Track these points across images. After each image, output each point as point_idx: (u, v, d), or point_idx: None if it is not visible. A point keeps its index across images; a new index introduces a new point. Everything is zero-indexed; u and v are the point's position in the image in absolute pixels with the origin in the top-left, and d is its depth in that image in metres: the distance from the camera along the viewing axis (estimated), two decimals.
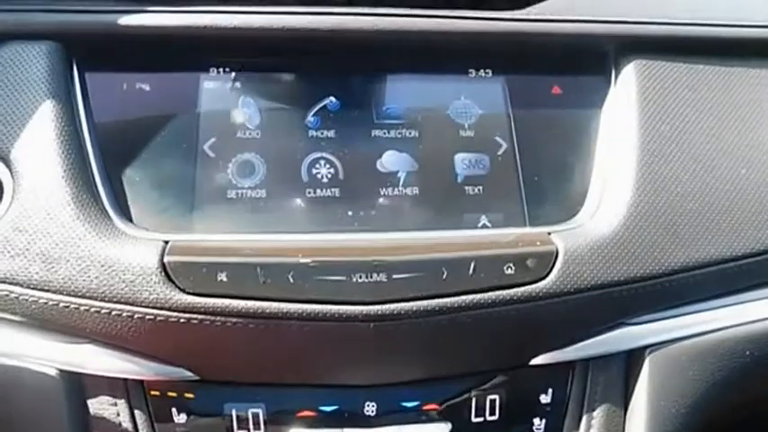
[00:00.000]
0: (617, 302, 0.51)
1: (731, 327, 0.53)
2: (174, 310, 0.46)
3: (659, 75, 0.58)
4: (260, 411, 0.49)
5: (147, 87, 0.56)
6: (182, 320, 0.46)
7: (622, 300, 0.51)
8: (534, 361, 0.51)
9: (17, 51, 0.53)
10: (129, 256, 0.47)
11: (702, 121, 0.56)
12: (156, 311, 0.46)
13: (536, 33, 0.59)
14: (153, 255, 0.47)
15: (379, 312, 0.47)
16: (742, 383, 0.53)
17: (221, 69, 0.57)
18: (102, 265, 0.47)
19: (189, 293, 0.46)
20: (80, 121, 0.53)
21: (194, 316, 0.46)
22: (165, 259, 0.47)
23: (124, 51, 0.56)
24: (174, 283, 0.46)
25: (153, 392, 0.49)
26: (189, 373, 0.49)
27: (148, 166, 0.53)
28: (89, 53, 0.55)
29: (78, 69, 0.55)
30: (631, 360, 0.53)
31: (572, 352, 0.51)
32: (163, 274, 0.47)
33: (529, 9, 0.60)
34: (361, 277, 0.47)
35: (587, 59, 0.60)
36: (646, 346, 0.52)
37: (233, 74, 0.57)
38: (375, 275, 0.48)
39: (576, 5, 0.61)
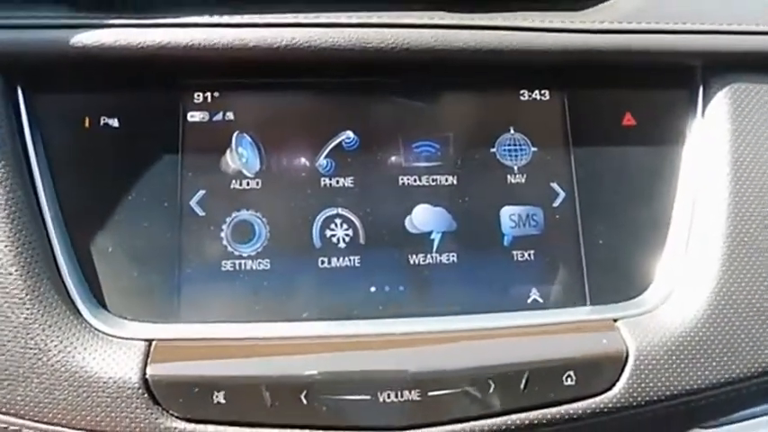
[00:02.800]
0: (694, 411, 0.42)
1: None
2: None
3: (760, 102, 0.47)
4: None
5: (114, 123, 0.44)
6: None
7: (699, 408, 0.42)
8: None
9: None
10: (103, 367, 0.38)
11: None
12: None
13: (605, 48, 0.46)
14: (133, 365, 0.38)
15: None
16: None
17: (208, 96, 0.45)
18: (71, 384, 0.38)
19: (179, 419, 0.38)
20: (32, 174, 0.42)
21: None
22: (148, 372, 0.38)
23: (84, 77, 0.44)
24: (159, 405, 0.38)
25: None
26: None
27: (122, 231, 0.43)
28: (39, 81, 0.43)
29: (26, 102, 0.43)
30: None
31: None
32: (146, 393, 0.38)
33: (593, 12, 0.48)
34: (389, 396, 0.39)
35: (668, 80, 0.48)
36: None
37: (223, 102, 0.45)
38: (407, 393, 0.39)
39: (655, 7, 0.48)
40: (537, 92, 0.48)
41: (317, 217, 0.44)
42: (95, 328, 0.40)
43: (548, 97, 0.48)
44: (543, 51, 0.46)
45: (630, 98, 0.48)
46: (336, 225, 0.44)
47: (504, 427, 0.39)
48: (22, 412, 0.38)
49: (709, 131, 0.46)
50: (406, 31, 0.45)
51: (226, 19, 0.44)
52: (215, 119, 0.45)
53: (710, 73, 0.47)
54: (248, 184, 0.45)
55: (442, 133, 0.46)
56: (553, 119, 0.47)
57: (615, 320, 0.43)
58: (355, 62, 0.45)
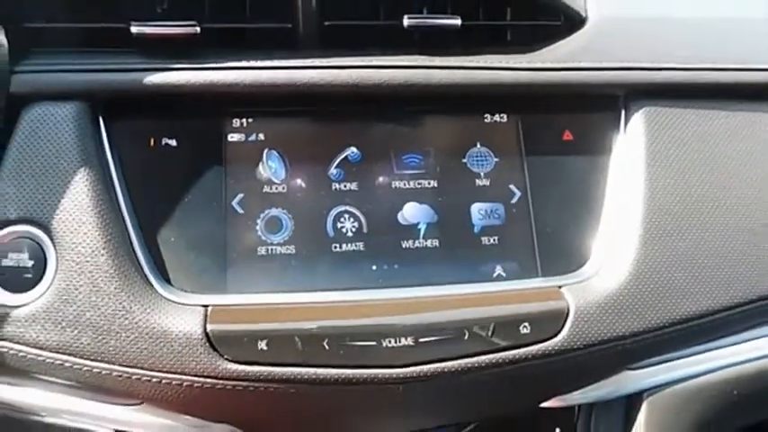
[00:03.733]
0: (621, 354, 0.55)
1: (718, 370, 0.58)
2: (220, 378, 0.50)
3: (668, 123, 0.61)
4: None
5: (173, 143, 0.58)
6: (227, 387, 0.50)
7: (626, 351, 0.55)
8: (544, 404, 0.56)
9: (46, 113, 0.54)
10: (173, 325, 0.51)
11: (708, 174, 0.60)
12: (202, 379, 0.50)
13: (548, 82, 0.61)
14: (196, 323, 0.51)
15: (408, 375, 0.51)
16: (730, 420, 0.59)
17: (244, 121, 0.59)
18: (150, 336, 0.50)
19: (232, 362, 0.50)
20: (113, 183, 0.55)
21: (238, 383, 0.50)
22: (208, 328, 0.50)
23: (150, 108, 0.57)
24: (217, 351, 0.50)
25: None
26: (231, 429, 0.53)
27: (182, 225, 0.56)
28: (116, 111, 0.56)
29: (106, 128, 0.56)
30: (631, 403, 0.58)
31: (578, 396, 0.56)
32: (207, 343, 0.50)
33: (538, 53, 0.62)
34: (390, 342, 0.51)
35: (597, 105, 0.62)
36: (644, 391, 0.57)
37: (256, 126, 0.59)
38: (403, 339, 0.52)
39: (588, 48, 0.62)
40: (497, 115, 0.62)
41: (330, 212, 0.58)
42: (165, 297, 0.52)
43: (505, 120, 0.62)
44: (501, 85, 0.60)
45: (568, 119, 0.62)
46: (345, 219, 0.58)
47: (476, 365, 0.52)
48: (113, 359, 0.50)
49: (630, 143, 0.60)
50: (395, 71, 0.59)
51: (258, 63, 0.57)
52: (249, 139, 0.59)
53: (630, 99, 0.61)
54: (276, 188, 0.58)
55: (424, 147, 0.60)
56: (510, 136, 0.61)
57: (560, 287, 0.56)
58: (357, 94, 0.59)
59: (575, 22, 0.64)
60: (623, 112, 0.62)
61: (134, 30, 0.56)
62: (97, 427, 0.52)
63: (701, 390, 0.58)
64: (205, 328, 0.50)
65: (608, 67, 0.61)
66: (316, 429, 0.55)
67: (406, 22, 0.59)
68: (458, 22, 0.60)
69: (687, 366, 0.58)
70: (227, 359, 0.50)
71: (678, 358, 0.58)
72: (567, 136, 0.62)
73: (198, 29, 0.56)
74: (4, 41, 0.54)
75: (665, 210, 0.58)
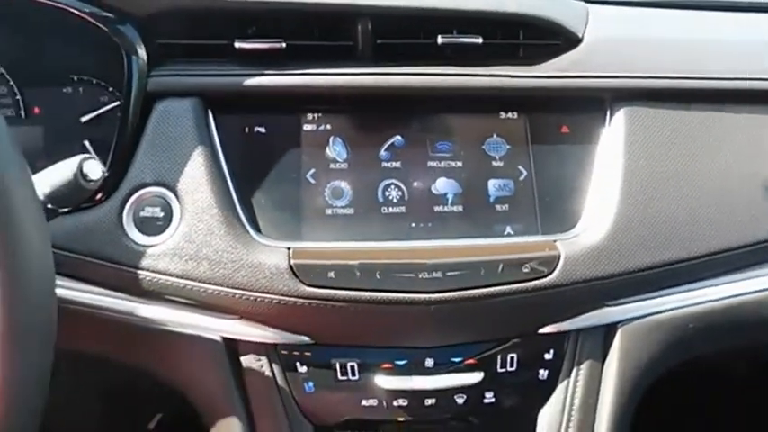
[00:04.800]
0: (600, 292, 0.72)
1: (677, 308, 0.74)
2: (299, 298, 0.68)
3: (644, 118, 0.78)
4: (355, 364, 0.72)
5: (263, 130, 0.76)
6: (304, 304, 0.69)
7: (604, 290, 0.72)
8: (541, 330, 0.73)
9: (171, 106, 0.74)
10: (266, 260, 0.69)
11: (675, 156, 0.76)
12: (287, 298, 0.68)
13: (550, 87, 0.78)
14: (283, 259, 0.69)
15: (437, 299, 0.69)
16: (685, 349, 0.75)
17: (315, 115, 0.78)
18: (249, 267, 0.69)
19: (309, 286, 0.68)
20: (219, 158, 0.74)
21: (312, 301, 0.68)
22: (292, 262, 0.69)
23: (246, 104, 0.76)
24: (298, 278, 0.68)
25: (283, 352, 0.71)
26: (307, 339, 0.71)
27: (268, 190, 0.74)
28: (220, 106, 0.75)
29: (214, 118, 0.75)
30: (608, 331, 0.75)
31: (567, 324, 0.73)
32: (291, 273, 0.68)
33: (545, 64, 0.80)
34: (424, 275, 0.69)
35: (589, 106, 0.79)
36: (618, 322, 0.74)
37: (324, 118, 0.77)
38: (434, 273, 0.69)
39: (582, 62, 0.80)
40: (509, 113, 0.79)
41: (380, 184, 0.76)
42: (259, 241, 0.71)
43: (516, 116, 0.79)
44: (512, 89, 0.78)
45: (566, 116, 0.79)
46: (391, 189, 0.76)
47: (488, 294, 0.69)
48: (222, 283, 0.69)
49: (613, 135, 0.78)
50: (430, 78, 0.77)
51: (327, 71, 0.76)
52: (319, 128, 0.77)
53: (614, 101, 0.78)
54: (339, 165, 0.76)
55: (452, 136, 0.78)
56: (519, 129, 0.79)
57: (555, 241, 0.73)
58: (402, 95, 0.77)
59: (573, 41, 0.81)
60: (608, 112, 0.79)
61: (237, 45, 0.75)
62: (208, 334, 0.70)
63: (662, 323, 0.74)
64: (290, 262, 0.69)
65: (597, 76, 0.79)
66: (367, 339, 0.72)
67: (440, 40, 0.77)
68: (479, 40, 0.78)
69: (654, 306, 0.75)
70: (305, 284, 0.68)
71: (648, 299, 0.75)
72: (565, 129, 0.79)
73: (284, 44, 0.75)
74: (144, 54, 0.74)
75: (639, 182, 0.75)
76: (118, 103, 0.87)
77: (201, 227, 0.70)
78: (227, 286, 0.69)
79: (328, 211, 0.74)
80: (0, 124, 0.49)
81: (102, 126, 0.87)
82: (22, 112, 0.88)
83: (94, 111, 0.87)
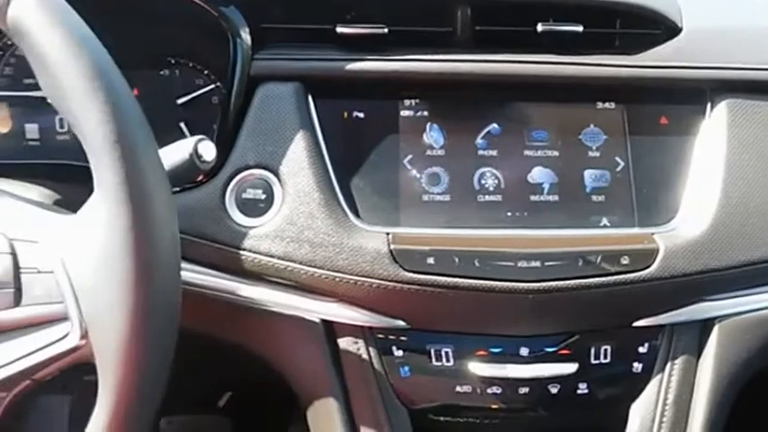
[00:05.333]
0: (698, 286, 0.72)
1: None
2: (398, 282, 0.69)
3: (745, 111, 0.76)
4: (450, 350, 0.73)
5: (361, 115, 0.77)
6: (403, 289, 0.69)
7: (702, 285, 0.72)
8: (636, 323, 0.73)
9: (273, 90, 0.75)
10: (367, 244, 0.70)
11: None
12: (386, 283, 0.69)
13: (649, 77, 0.77)
14: (383, 244, 0.70)
15: (537, 288, 0.69)
16: None
17: (413, 102, 0.78)
18: (350, 251, 0.70)
19: (408, 271, 0.69)
20: (319, 142, 0.75)
21: (411, 286, 0.69)
22: (392, 247, 0.70)
23: (345, 88, 0.77)
24: (398, 263, 0.69)
25: (379, 336, 0.72)
26: (404, 323, 0.72)
27: (367, 176, 0.75)
28: (320, 90, 0.76)
29: (314, 102, 0.76)
30: (705, 327, 0.74)
31: (663, 319, 0.73)
32: (391, 257, 0.69)
33: (645, 54, 0.79)
34: (523, 264, 0.69)
35: (689, 97, 0.78)
36: (715, 318, 0.73)
37: (421, 105, 0.78)
38: (533, 262, 0.70)
39: (681, 52, 0.79)
40: (607, 103, 0.78)
41: (476, 172, 0.76)
42: (359, 226, 0.71)
43: (613, 106, 0.78)
44: (611, 78, 0.77)
45: (665, 107, 0.78)
46: (487, 177, 0.76)
47: (587, 284, 0.69)
48: (323, 266, 0.70)
49: (713, 127, 0.76)
50: (529, 65, 0.77)
51: (425, 57, 0.76)
52: (416, 114, 0.78)
53: (715, 93, 0.77)
54: (436, 152, 0.76)
55: (549, 125, 0.77)
56: (617, 119, 0.78)
57: (653, 234, 0.73)
58: (500, 83, 0.77)
59: (673, 31, 0.80)
60: (709, 103, 0.77)
61: (339, 30, 0.76)
62: (307, 315, 0.72)
63: (762, 320, 0.73)
64: (389, 247, 0.70)
65: (697, 67, 0.77)
66: (462, 325, 0.73)
67: (539, 28, 0.77)
68: (580, 28, 0.77)
69: (754, 303, 0.74)
70: (404, 269, 0.69)
71: (747, 295, 0.74)
72: (663, 120, 0.78)
73: (386, 30, 0.76)
74: (248, 38, 0.75)
75: (740, 176, 0.73)
76: (213, 86, 0.89)
77: (303, 210, 0.71)
78: (328, 269, 0.70)
79: (425, 198, 0.75)
80: (133, 103, 0.50)
81: (197, 109, 0.89)
82: None
83: (190, 93, 0.89)
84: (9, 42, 0.88)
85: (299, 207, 0.71)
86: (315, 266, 0.70)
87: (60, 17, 0.48)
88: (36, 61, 0.49)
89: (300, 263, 0.70)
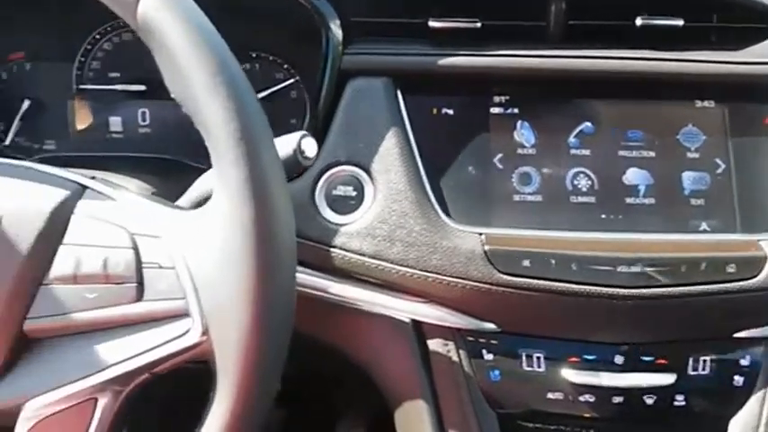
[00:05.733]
0: None
1: None
2: (492, 285, 0.67)
3: None
4: (541, 355, 0.71)
5: (450, 112, 0.75)
6: (496, 291, 0.68)
7: None
8: (737, 334, 0.70)
9: (363, 85, 0.74)
10: (460, 245, 0.68)
11: None
12: (480, 284, 0.67)
13: (753, 74, 0.74)
14: (477, 244, 0.68)
15: (638, 295, 0.66)
16: None
17: (503, 98, 0.76)
18: (443, 251, 0.68)
19: (503, 273, 0.67)
20: (410, 139, 0.73)
21: (505, 289, 0.67)
22: (486, 248, 0.68)
23: (434, 84, 0.75)
24: (492, 265, 0.67)
25: (469, 338, 0.71)
26: (494, 326, 0.70)
27: (457, 174, 0.73)
28: (409, 85, 0.75)
29: (402, 98, 0.75)
30: None
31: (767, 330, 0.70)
32: (486, 259, 0.67)
33: (748, 50, 0.75)
34: (623, 269, 0.67)
35: None
36: None
37: (512, 102, 0.76)
38: (633, 267, 0.67)
39: None
40: (706, 102, 0.75)
41: (569, 172, 0.74)
42: (454, 227, 0.69)
43: (713, 105, 0.75)
44: (711, 75, 0.74)
45: None
46: (580, 177, 0.73)
47: (690, 292, 0.67)
48: (415, 266, 0.68)
49: None
50: (625, 62, 0.74)
51: (517, 52, 0.74)
52: (507, 112, 0.76)
53: None
54: (527, 151, 0.74)
55: (645, 125, 0.75)
56: (717, 119, 0.75)
57: (758, 241, 0.70)
58: (593, 79, 0.74)
59: None
60: None
61: (431, 24, 0.74)
62: (398, 315, 0.70)
63: None
64: (484, 248, 0.68)
65: None
66: (555, 330, 0.71)
67: (638, 21, 0.74)
68: (680, 22, 0.74)
69: None
70: (499, 271, 0.67)
71: None
72: (767, 121, 0.75)
73: (479, 24, 0.74)
74: (339, 32, 0.74)
75: None
76: (293, 80, 0.88)
77: (395, 208, 0.70)
78: (420, 269, 0.68)
79: (516, 198, 0.73)
80: (255, 100, 0.50)
81: (276, 104, 0.89)
82: None
83: (270, 88, 0.88)
84: (98, 37, 0.89)
85: (391, 205, 0.70)
86: (407, 266, 0.69)
87: (188, 14, 0.48)
88: (163, 57, 0.48)
89: (392, 262, 0.69)
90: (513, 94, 0.76)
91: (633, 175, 0.74)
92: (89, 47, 0.89)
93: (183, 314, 0.49)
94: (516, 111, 0.76)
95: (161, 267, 0.50)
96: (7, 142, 0.90)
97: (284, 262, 0.48)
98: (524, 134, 0.75)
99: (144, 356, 0.49)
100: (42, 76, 0.90)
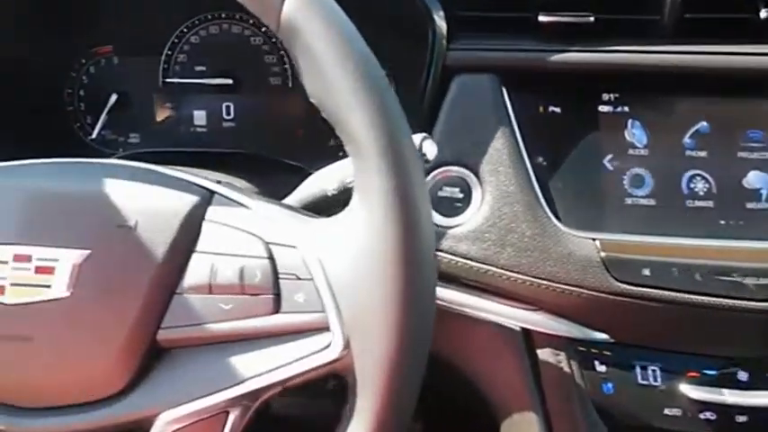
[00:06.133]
0: None
1: None
2: (609, 294, 0.64)
3: None
4: (657, 368, 0.68)
5: (558, 110, 0.72)
6: (613, 301, 0.64)
7: None
8: None
9: (468, 81, 0.71)
10: (575, 251, 0.65)
11: None
12: (596, 293, 0.64)
13: None
14: (593, 251, 0.65)
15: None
16: None
17: (612, 96, 0.72)
18: (557, 258, 0.65)
19: (621, 282, 0.64)
20: (518, 138, 0.70)
21: (622, 299, 0.64)
22: (602, 255, 0.65)
23: (541, 81, 0.72)
24: (609, 273, 0.64)
25: (581, 348, 0.68)
26: (607, 337, 0.67)
27: (566, 175, 0.70)
28: (514, 82, 0.71)
29: (508, 95, 0.71)
30: None
31: None
32: (603, 266, 0.64)
33: None
34: (751, 280, 0.63)
35: None
36: None
37: (622, 99, 0.72)
38: (763, 279, 0.63)
39: None
40: None
41: (684, 174, 0.70)
42: (567, 232, 0.66)
43: None
44: None
45: None
46: (696, 180, 0.70)
47: None
48: (527, 272, 0.66)
49: None
50: (746, 57, 0.69)
51: (630, 48, 0.70)
52: (616, 110, 0.72)
53: None
54: (639, 151, 0.71)
55: (766, 125, 0.71)
56: None
57: None
58: (710, 76, 0.70)
59: None
60: None
61: (541, 18, 0.71)
62: (508, 323, 0.68)
63: None
64: (600, 255, 0.65)
65: None
66: (672, 342, 0.67)
67: (763, 14, 0.70)
68: None
69: None
70: (617, 279, 0.64)
71: None
72: None
73: (592, 18, 0.70)
74: (444, 26, 0.71)
75: None
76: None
77: (506, 212, 0.67)
78: (533, 276, 0.66)
79: (628, 201, 0.69)
80: (399, 106, 0.47)
81: None
82: (290, 82, 0.88)
83: None
84: (185, 30, 0.87)
85: (501, 208, 0.67)
86: (518, 272, 0.66)
87: (335, 18, 0.46)
88: (306, 61, 0.46)
89: (502, 267, 0.66)
90: (622, 91, 0.72)
91: (754, 179, 0.70)
92: (176, 40, 0.87)
93: (323, 327, 0.47)
94: (626, 109, 0.72)
95: (299, 278, 0.47)
96: (93, 135, 0.89)
97: (428, 275, 0.46)
98: (635, 134, 0.71)
99: (280, 371, 0.47)
100: (129, 70, 0.88)
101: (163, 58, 0.87)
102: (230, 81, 0.86)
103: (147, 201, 0.50)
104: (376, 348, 0.45)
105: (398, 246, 0.44)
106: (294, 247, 0.48)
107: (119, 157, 0.88)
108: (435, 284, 0.48)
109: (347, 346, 0.46)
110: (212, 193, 0.51)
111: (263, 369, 0.47)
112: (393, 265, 0.44)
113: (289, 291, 0.47)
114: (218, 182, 0.52)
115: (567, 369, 0.68)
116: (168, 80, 0.88)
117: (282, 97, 0.87)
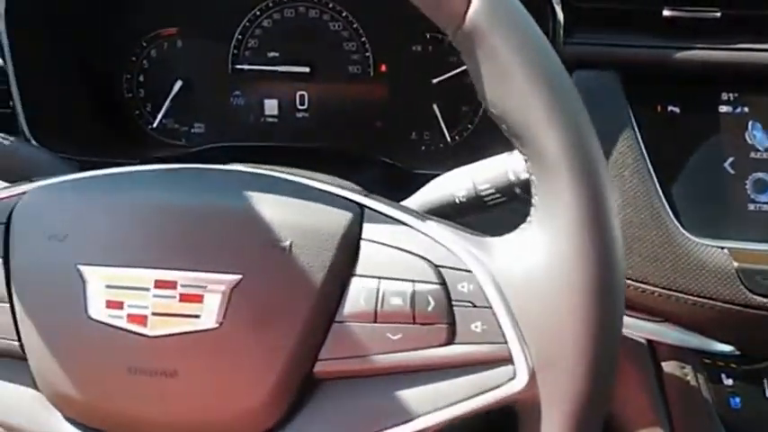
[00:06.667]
0: None
1: None
2: (743, 306, 0.62)
3: None
4: None
5: (677, 110, 0.68)
6: (746, 313, 0.62)
7: None
8: None
9: (585, 77, 0.66)
10: (707, 261, 0.62)
11: None
12: (729, 306, 0.62)
13: None
14: (727, 261, 0.62)
15: None
16: None
17: (731, 95, 0.69)
18: (689, 268, 0.62)
19: (756, 294, 0.61)
20: (638, 139, 0.66)
21: (755, 311, 0.62)
22: (735, 265, 0.62)
23: (660, 79, 0.68)
24: (744, 285, 0.62)
25: (706, 361, 0.66)
26: (734, 349, 0.65)
27: (687, 179, 0.67)
28: (632, 80, 0.67)
29: (626, 93, 0.68)
30: None
31: None
32: (737, 278, 0.62)
33: None
34: None
35: None
36: None
37: (741, 99, 0.69)
38: None
39: None
40: None
41: (749, 177, 0.67)
42: (697, 241, 0.63)
43: None
44: None
45: None
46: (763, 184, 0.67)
47: None
48: (655, 282, 0.62)
49: None
50: None
51: (751, 45, 0.67)
52: (736, 111, 0.69)
53: None
54: (761, 155, 0.67)
55: None
56: None
57: None
58: None
59: None
60: None
61: (666, 12, 0.67)
62: (633, 335, 0.65)
63: None
64: (734, 266, 0.62)
65: None
66: None
67: None
68: None
69: None
70: (752, 292, 0.61)
71: None
72: None
73: (719, 14, 0.66)
74: (562, 18, 0.67)
75: None
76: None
77: (632, 218, 0.63)
78: (662, 287, 0.63)
79: (750, 207, 0.67)
80: (591, 123, 0.43)
81: (451, 90, 0.81)
82: (371, 70, 0.82)
83: (446, 72, 0.81)
84: (258, 13, 0.81)
85: (627, 214, 0.63)
86: (645, 282, 0.63)
87: (524, 25, 0.41)
88: (490, 68, 0.41)
89: (629, 278, 0.63)
90: (742, 91, 0.69)
91: None
92: (248, 23, 0.80)
93: (505, 359, 0.43)
94: (746, 109, 0.69)
95: (475, 306, 0.43)
96: (155, 125, 0.82)
97: (620, 305, 0.42)
98: (756, 136, 0.68)
99: (455, 408, 0.43)
100: (194, 55, 0.81)
101: (233, 42, 0.81)
102: (307, 69, 0.81)
103: (298, 217, 0.44)
104: (566, 382, 0.41)
105: (596, 278, 0.40)
106: (468, 271, 0.44)
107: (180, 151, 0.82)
108: (623, 313, 0.45)
109: (533, 378, 0.42)
110: (362, 207, 0.46)
111: (434, 405, 0.43)
112: (590, 297, 0.40)
113: (464, 319, 0.43)
114: (366, 195, 0.47)
115: (693, 382, 0.65)
116: (238, 66, 0.81)
117: (361, 86, 0.82)
